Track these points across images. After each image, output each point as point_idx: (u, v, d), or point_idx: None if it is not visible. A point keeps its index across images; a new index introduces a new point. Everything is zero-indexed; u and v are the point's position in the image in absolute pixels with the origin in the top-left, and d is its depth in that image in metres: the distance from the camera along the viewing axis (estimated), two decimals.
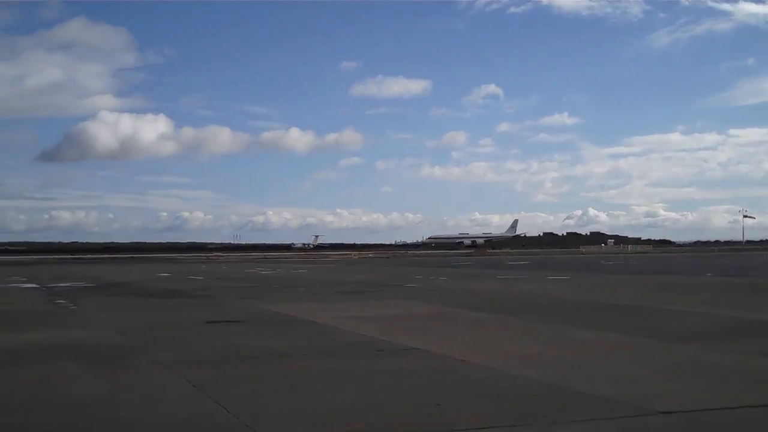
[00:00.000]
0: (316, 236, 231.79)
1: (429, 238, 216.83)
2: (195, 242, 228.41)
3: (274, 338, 13.69)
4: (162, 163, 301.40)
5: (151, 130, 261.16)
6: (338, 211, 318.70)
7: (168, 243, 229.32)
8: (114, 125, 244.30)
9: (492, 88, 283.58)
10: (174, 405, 8.12)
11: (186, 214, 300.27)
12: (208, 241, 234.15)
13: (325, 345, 12.74)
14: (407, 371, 10.00)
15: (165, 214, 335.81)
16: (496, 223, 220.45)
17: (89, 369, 10.49)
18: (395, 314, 17.98)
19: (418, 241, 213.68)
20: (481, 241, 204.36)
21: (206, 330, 15.15)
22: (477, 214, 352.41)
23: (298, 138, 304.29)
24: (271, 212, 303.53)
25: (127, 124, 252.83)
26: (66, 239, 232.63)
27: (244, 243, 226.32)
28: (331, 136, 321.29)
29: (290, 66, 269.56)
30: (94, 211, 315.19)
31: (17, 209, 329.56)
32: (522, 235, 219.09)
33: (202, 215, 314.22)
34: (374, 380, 9.40)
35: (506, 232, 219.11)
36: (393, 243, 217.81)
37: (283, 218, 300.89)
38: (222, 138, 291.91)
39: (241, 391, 8.79)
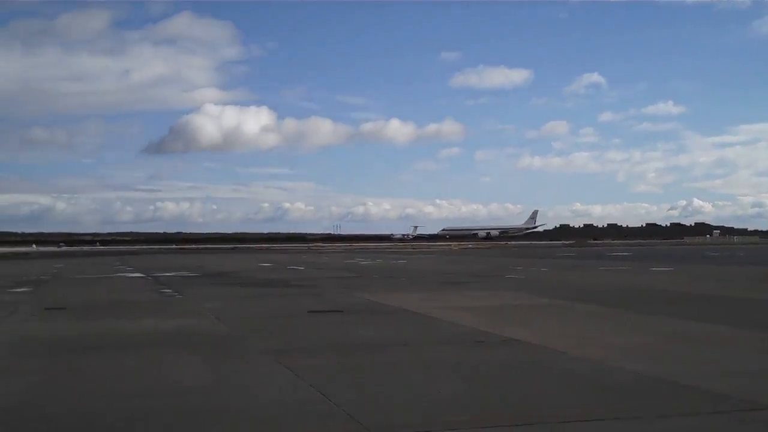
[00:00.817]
0: (415, 227, 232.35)
1: (443, 229, 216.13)
2: (296, 233, 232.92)
3: (376, 328, 13.81)
4: (264, 155, 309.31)
5: (254, 122, 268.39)
6: (437, 201, 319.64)
7: (269, 233, 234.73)
8: (218, 118, 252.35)
9: (594, 77, 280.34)
10: (277, 393, 8.28)
11: (287, 204, 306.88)
12: (309, 232, 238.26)
13: (426, 335, 12.76)
14: (507, 363, 9.94)
15: (267, 204, 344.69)
16: (597, 214, 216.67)
17: (195, 357, 10.81)
18: (495, 305, 17.86)
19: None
20: (495, 233, 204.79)
21: (308, 320, 15.37)
22: (578, 204, 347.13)
23: (398, 129, 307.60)
24: (370, 203, 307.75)
25: (230, 116, 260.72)
26: (171, 230, 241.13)
27: (343, 234, 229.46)
28: (431, 127, 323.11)
29: (391, 57, 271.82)
30: (198, 202, 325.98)
31: (125, 201, 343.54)
32: (541, 226, 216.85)
33: (303, 206, 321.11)
34: (475, 371, 9.37)
35: (525, 223, 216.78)
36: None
37: (383, 209, 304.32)
38: (323, 129, 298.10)
39: (342, 380, 8.90)
